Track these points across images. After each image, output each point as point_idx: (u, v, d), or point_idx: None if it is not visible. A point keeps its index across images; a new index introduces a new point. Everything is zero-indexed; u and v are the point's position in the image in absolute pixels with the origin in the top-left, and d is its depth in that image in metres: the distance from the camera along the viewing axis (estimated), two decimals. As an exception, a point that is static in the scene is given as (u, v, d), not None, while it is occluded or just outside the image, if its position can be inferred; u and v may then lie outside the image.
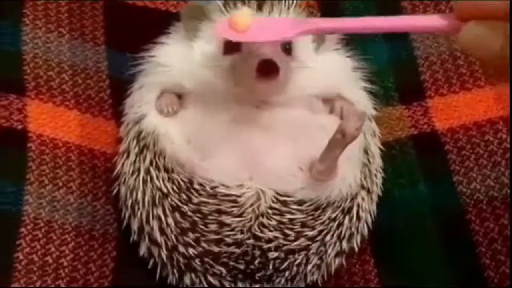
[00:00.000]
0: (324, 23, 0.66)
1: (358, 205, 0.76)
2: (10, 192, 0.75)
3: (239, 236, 0.72)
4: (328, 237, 0.74)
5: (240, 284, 0.74)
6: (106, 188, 0.80)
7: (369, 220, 0.78)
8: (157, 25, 0.80)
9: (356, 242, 0.77)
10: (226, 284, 0.74)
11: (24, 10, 0.86)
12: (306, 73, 0.75)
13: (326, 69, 0.77)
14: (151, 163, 0.74)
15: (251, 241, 0.72)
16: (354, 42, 0.83)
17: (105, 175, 0.80)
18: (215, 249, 0.72)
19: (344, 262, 0.77)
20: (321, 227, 0.73)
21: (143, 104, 0.77)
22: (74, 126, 0.82)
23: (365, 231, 0.77)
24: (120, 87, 0.82)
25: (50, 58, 0.84)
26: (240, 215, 0.72)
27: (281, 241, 0.72)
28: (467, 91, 0.88)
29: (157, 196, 0.73)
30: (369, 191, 0.77)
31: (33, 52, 0.83)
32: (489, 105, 0.86)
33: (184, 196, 0.72)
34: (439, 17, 0.62)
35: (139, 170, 0.75)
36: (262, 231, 0.72)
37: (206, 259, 0.73)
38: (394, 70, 0.90)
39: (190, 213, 0.72)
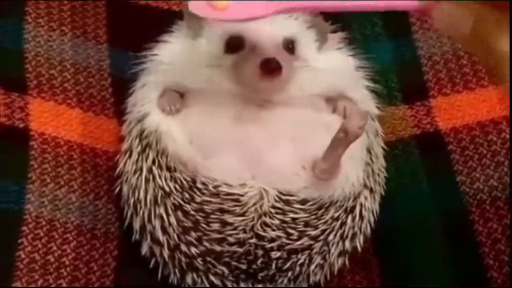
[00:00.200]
0: (298, 2, 0.65)
1: (361, 205, 0.76)
2: (12, 191, 0.75)
3: (242, 235, 0.72)
4: (331, 237, 0.73)
5: (242, 284, 0.74)
6: (108, 187, 0.80)
7: (372, 219, 0.77)
8: (159, 24, 0.80)
9: (359, 241, 0.76)
10: (228, 284, 0.73)
11: (26, 8, 0.86)
12: (309, 72, 0.75)
13: (329, 68, 0.77)
14: (153, 161, 0.74)
15: (253, 240, 0.72)
16: (357, 41, 0.82)
17: (107, 174, 0.80)
18: (218, 248, 0.72)
19: (347, 262, 0.77)
20: (324, 227, 0.73)
21: (146, 102, 0.76)
22: (76, 124, 0.82)
23: (368, 230, 0.77)
24: (122, 85, 0.81)
25: (52, 56, 0.84)
26: (242, 214, 0.71)
27: (284, 240, 0.72)
28: (470, 91, 0.87)
29: (160, 195, 0.73)
30: (372, 191, 0.77)
31: (35, 50, 0.83)
32: (493, 105, 0.86)
33: (187, 195, 0.72)
34: None
35: (141, 169, 0.74)
36: (264, 230, 0.72)
37: (208, 259, 0.73)
38: (397, 70, 0.90)
39: (192, 212, 0.72)
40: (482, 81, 0.88)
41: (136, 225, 0.75)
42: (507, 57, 0.46)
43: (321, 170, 0.72)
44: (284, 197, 0.72)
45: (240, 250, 0.72)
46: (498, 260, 0.79)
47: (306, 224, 0.72)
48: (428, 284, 0.79)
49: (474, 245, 0.80)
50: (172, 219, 0.72)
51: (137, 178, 0.74)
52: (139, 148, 0.75)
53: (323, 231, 0.73)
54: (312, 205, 0.73)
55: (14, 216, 0.74)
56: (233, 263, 0.73)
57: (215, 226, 0.71)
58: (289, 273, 0.73)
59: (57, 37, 0.86)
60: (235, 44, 0.73)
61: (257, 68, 0.69)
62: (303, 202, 0.72)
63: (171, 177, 0.73)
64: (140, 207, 0.74)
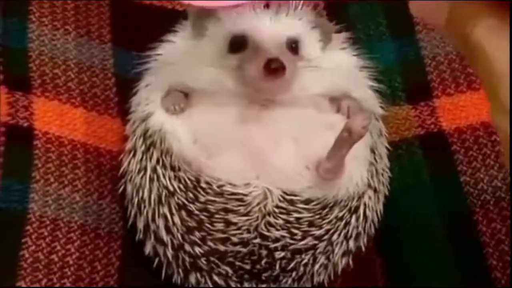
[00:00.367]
0: None
1: (365, 204, 0.76)
2: (16, 190, 0.75)
3: (246, 235, 0.71)
4: (335, 236, 0.73)
5: (246, 284, 0.73)
6: (112, 186, 0.80)
7: (376, 219, 0.77)
8: (163, 23, 0.79)
9: (363, 241, 0.76)
10: (232, 284, 0.73)
11: (30, 8, 0.86)
12: (313, 72, 0.75)
13: (333, 68, 0.77)
14: (157, 161, 0.74)
15: (257, 240, 0.72)
16: (361, 41, 0.82)
17: (111, 173, 0.80)
18: (221, 248, 0.72)
19: (351, 262, 0.77)
20: (328, 226, 0.73)
21: (150, 102, 0.76)
22: (80, 124, 0.82)
23: (372, 230, 0.77)
24: (126, 85, 0.81)
25: (56, 55, 0.84)
26: (246, 214, 0.71)
27: (288, 240, 0.72)
28: (474, 91, 0.87)
29: (164, 194, 0.73)
30: (376, 191, 0.77)
31: (39, 50, 0.83)
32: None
33: (191, 195, 0.72)
34: None
35: (145, 168, 0.74)
36: (268, 230, 0.71)
37: (212, 258, 0.73)
38: (401, 70, 0.90)
39: (196, 212, 0.72)
40: (486, 81, 0.87)
41: (140, 225, 0.75)
42: (481, 46, 0.46)
43: (325, 170, 0.72)
44: (288, 197, 0.72)
45: (244, 250, 0.72)
46: (501, 260, 0.79)
47: (310, 224, 0.72)
48: (432, 284, 0.79)
49: (477, 245, 0.80)
50: (176, 219, 0.72)
51: (141, 177, 0.74)
52: (143, 148, 0.75)
53: (327, 231, 0.73)
54: (316, 205, 0.72)
55: (18, 215, 0.74)
56: (237, 263, 0.73)
57: (219, 225, 0.71)
58: (293, 273, 0.73)
59: (61, 36, 0.86)
60: (238, 44, 0.73)
61: (260, 68, 0.69)
62: (307, 202, 0.72)
63: (175, 176, 0.73)
64: (144, 207, 0.74)
